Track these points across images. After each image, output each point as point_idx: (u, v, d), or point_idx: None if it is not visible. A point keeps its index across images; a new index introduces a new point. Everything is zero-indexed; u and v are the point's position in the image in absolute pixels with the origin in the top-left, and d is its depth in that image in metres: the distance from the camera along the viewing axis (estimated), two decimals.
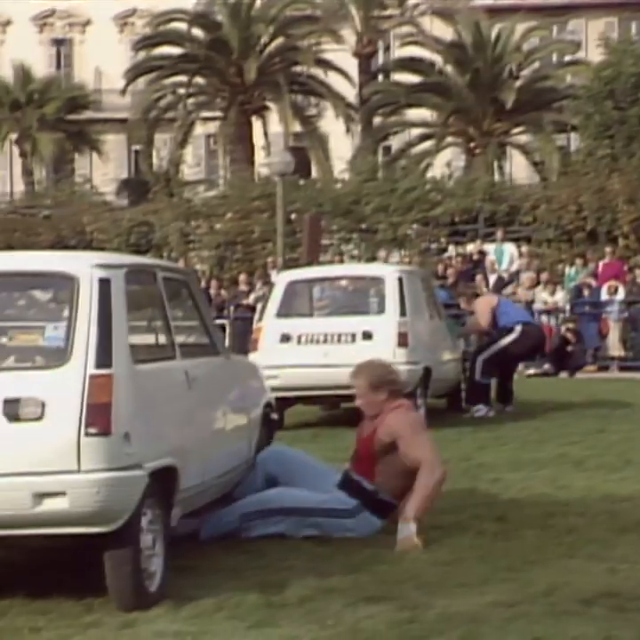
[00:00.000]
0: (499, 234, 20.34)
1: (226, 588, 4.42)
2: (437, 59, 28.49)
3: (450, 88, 27.45)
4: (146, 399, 4.20)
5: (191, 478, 4.55)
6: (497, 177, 25.77)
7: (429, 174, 25.29)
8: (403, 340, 8.88)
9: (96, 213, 22.35)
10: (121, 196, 32.47)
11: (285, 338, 9.09)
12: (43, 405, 3.89)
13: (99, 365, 3.92)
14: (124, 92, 29.68)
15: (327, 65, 29.30)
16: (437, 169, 25.81)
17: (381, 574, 4.58)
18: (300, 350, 9.04)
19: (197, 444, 4.66)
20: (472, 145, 27.80)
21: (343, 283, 9.75)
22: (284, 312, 9.25)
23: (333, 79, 29.71)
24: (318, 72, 29.56)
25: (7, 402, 3.90)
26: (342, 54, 29.40)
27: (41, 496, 3.91)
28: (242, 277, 19.56)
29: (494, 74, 27.26)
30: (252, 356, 8.96)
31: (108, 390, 3.90)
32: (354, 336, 8.95)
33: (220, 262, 21.64)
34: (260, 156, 29.13)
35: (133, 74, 29.65)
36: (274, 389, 9.43)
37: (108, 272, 4.10)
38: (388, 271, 9.63)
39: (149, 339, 4.68)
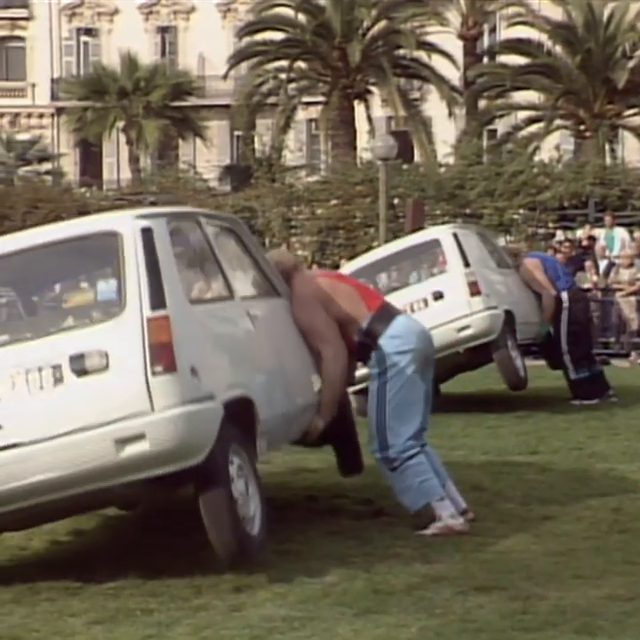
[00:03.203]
0: (607, 219, 19.82)
1: (332, 573, 4.39)
2: (545, 40, 27.95)
3: (559, 69, 26.87)
4: (208, 336, 4.28)
5: (269, 409, 4.55)
6: (608, 160, 25.12)
7: (537, 158, 24.82)
8: (474, 289, 8.78)
9: (200, 199, 22.58)
10: (224, 182, 32.77)
11: None
12: (106, 356, 3.96)
13: (154, 307, 3.99)
14: (225, 77, 29.93)
15: (431, 47, 29.01)
16: (545, 153, 25.31)
17: (490, 563, 4.49)
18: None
19: (268, 377, 4.68)
20: (582, 127, 27.18)
21: (401, 256, 9.61)
22: None
23: (436, 62, 29.40)
24: (421, 55, 29.31)
25: (72, 359, 3.98)
26: (445, 36, 29.06)
27: (122, 442, 3.96)
28: (343, 263, 19.53)
29: (606, 54, 26.58)
30: None
31: (167, 329, 3.96)
32: (425, 300, 8.85)
33: (321, 248, 21.66)
34: (361, 141, 29.06)
35: (236, 59, 29.86)
36: (365, 378, 9.40)
37: (148, 222, 4.18)
38: (441, 231, 9.54)
39: (204, 282, 4.79)
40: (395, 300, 9.17)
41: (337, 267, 20.04)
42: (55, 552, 4.84)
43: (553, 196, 21.00)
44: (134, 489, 4.27)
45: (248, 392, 4.36)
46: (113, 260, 4.13)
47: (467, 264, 8.91)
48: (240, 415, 4.29)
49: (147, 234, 4.12)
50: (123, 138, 35.17)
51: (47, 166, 34.14)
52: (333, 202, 22.02)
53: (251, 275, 5.14)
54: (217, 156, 37.88)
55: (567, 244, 19.14)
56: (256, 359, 4.70)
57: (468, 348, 8.86)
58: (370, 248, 19.74)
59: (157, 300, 4.00)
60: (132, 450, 3.97)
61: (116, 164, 38.32)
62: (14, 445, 3.97)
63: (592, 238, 19.63)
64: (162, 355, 3.95)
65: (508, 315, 8.98)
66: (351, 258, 19.73)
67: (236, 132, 37.56)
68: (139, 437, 3.96)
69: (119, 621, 3.88)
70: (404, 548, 4.78)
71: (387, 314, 5.17)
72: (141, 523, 5.31)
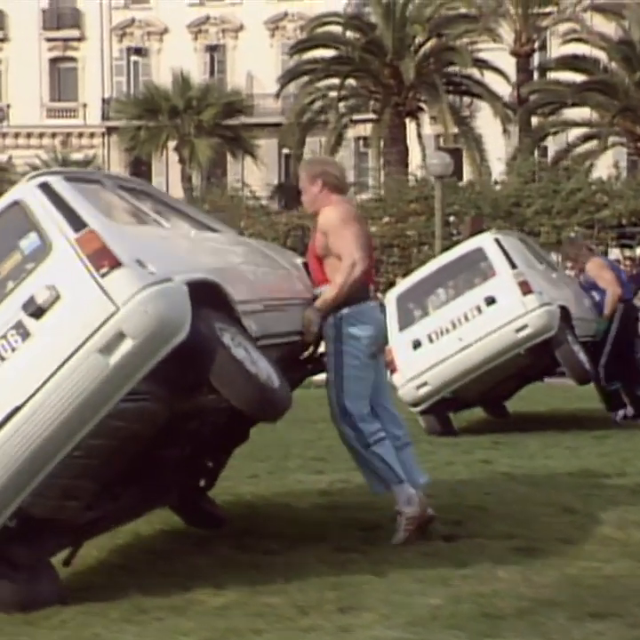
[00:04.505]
0: None
1: (434, 596, 4.28)
2: (599, 55, 27.78)
3: (616, 86, 26.68)
4: (147, 239, 4.49)
5: (242, 293, 4.54)
6: None
7: (594, 175, 24.63)
8: (525, 288, 8.73)
9: (254, 217, 22.67)
10: (274, 200, 32.90)
11: (417, 344, 9.02)
12: (54, 288, 4.00)
13: (76, 230, 4.04)
14: (278, 95, 30.08)
15: (483, 64, 28.97)
16: (600, 170, 25.10)
17: (599, 589, 4.36)
18: (435, 347, 8.94)
19: (227, 269, 4.68)
20: None
21: (448, 269, 9.55)
22: (404, 324, 9.20)
23: (487, 78, 29.34)
24: (473, 71, 29.27)
25: (25, 305, 4.00)
26: (497, 53, 29.01)
27: (107, 350, 3.95)
28: (399, 281, 19.45)
29: None
30: (396, 378, 8.85)
31: (96, 239, 4.02)
32: (479, 308, 8.83)
33: (376, 265, 21.59)
34: (412, 159, 29.01)
35: (287, 78, 30.01)
36: (430, 396, 9.51)
37: (42, 179, 4.25)
38: (483, 239, 9.47)
39: (128, 217, 4.89)
40: (448, 311, 9.14)
41: (392, 284, 19.96)
42: (153, 571, 4.78)
43: (612, 214, 20.82)
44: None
45: (209, 276, 4.33)
46: (26, 223, 4.14)
47: (513, 266, 8.90)
48: (211, 298, 4.25)
49: (44, 187, 4.20)
50: (172, 156, 35.48)
51: None
52: (386, 219, 21.99)
53: (177, 218, 5.20)
54: (265, 174, 38.03)
55: (628, 262, 18.97)
56: (210, 255, 4.79)
57: (529, 350, 8.78)
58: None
59: (77, 223, 4.05)
60: (119, 354, 3.92)
61: (165, 183, 38.65)
62: (16, 410, 3.94)
63: None
64: (101, 258, 3.98)
65: (564, 311, 8.91)
66: (405, 275, 19.75)
67: (285, 151, 37.76)
68: (118, 338, 3.92)
69: None
70: (505, 570, 4.65)
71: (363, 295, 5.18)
72: (234, 542, 5.25)
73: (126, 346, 3.92)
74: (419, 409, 9.22)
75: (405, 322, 9.28)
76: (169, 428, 4.45)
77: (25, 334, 3.98)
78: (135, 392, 4.04)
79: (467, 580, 4.55)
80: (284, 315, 5.02)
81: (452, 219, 21.15)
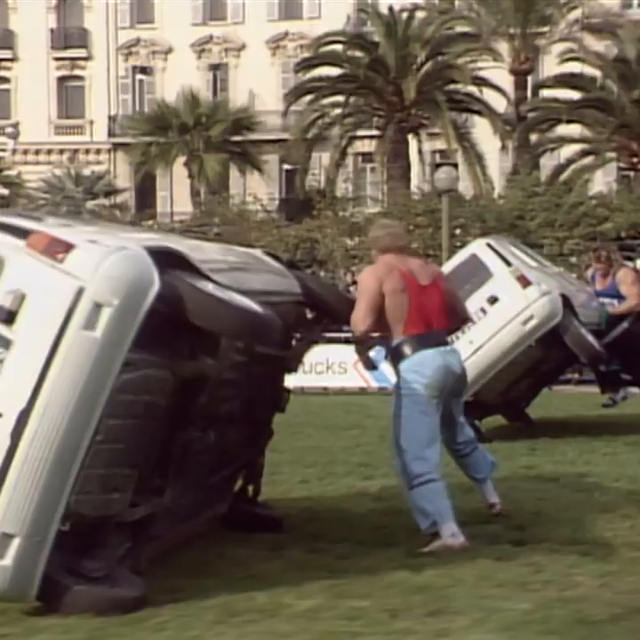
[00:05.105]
0: None
1: (520, 601, 4.19)
2: (595, 73, 27.84)
3: (612, 103, 26.74)
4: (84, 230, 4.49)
5: (200, 256, 4.56)
6: None
7: (593, 191, 24.68)
8: (524, 282, 8.76)
9: (265, 230, 22.61)
10: (279, 214, 32.85)
11: None
12: (21, 293, 3.95)
13: (25, 237, 4.00)
14: (285, 113, 30.05)
15: (483, 82, 28.99)
16: (596, 185, 25.17)
17: None
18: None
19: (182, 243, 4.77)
20: (635, 160, 26.99)
21: (449, 280, 9.53)
22: None
23: (487, 96, 29.37)
24: (473, 89, 29.29)
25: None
26: (495, 71, 29.04)
27: (87, 327, 3.93)
28: None
29: None
30: None
31: (46, 235, 4.02)
32: (483, 309, 8.80)
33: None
34: (414, 174, 29.02)
35: (294, 95, 29.99)
36: None
37: None
38: (475, 245, 9.58)
39: None
40: None
41: None
42: (231, 576, 4.68)
43: (613, 227, 20.87)
44: None
45: (164, 244, 4.38)
46: None
47: (508, 264, 8.95)
48: (173, 261, 4.24)
49: None
50: (177, 172, 35.41)
51: (112, 200, 34.45)
52: None
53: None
54: (266, 188, 37.98)
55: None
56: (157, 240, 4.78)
57: (539, 341, 8.75)
58: None
59: (21, 233, 4.02)
60: (102, 324, 3.89)
61: (170, 198, 38.55)
62: (25, 414, 3.86)
63: None
64: (54, 247, 3.96)
65: (565, 298, 8.90)
66: None
67: (285, 166, 37.73)
68: (97, 310, 3.88)
69: None
70: (582, 575, 4.57)
71: (415, 344, 5.24)
72: (305, 546, 5.15)
73: (106, 314, 3.90)
74: None
75: None
76: (181, 403, 4.38)
77: (6, 343, 3.92)
78: (134, 362, 4.01)
79: (547, 585, 4.46)
80: (254, 275, 5.02)
81: (457, 231, 21.13)
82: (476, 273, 9.20)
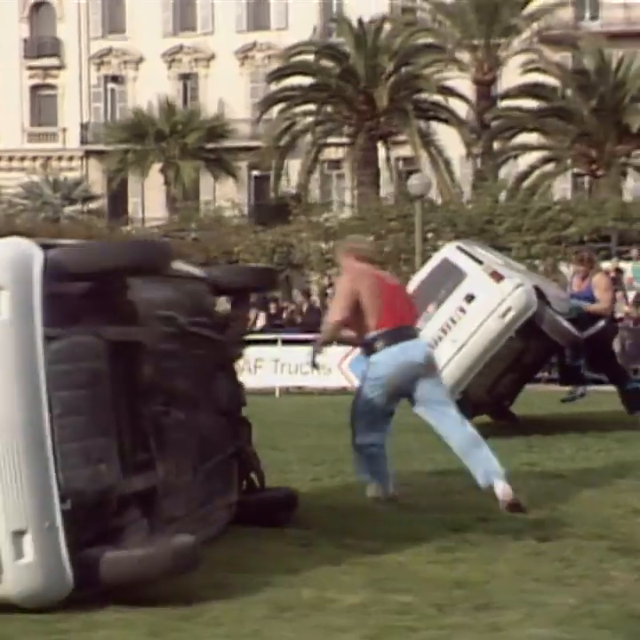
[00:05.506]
0: (634, 252, 19.94)
1: (562, 594, 4.18)
2: (556, 83, 28.09)
3: (572, 112, 26.97)
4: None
5: None
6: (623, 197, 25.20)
7: (556, 196, 24.90)
8: (496, 277, 8.87)
9: (242, 235, 22.50)
10: (250, 219, 32.76)
11: None
12: None
13: None
14: (258, 120, 29.97)
15: (448, 91, 29.11)
16: (557, 191, 25.37)
17: None
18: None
19: None
20: (594, 167, 27.26)
21: (423, 287, 9.57)
22: None
23: (452, 104, 29.50)
24: (439, 98, 29.42)
25: None
26: (459, 80, 29.18)
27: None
28: None
29: (617, 98, 26.76)
30: None
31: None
32: (462, 308, 8.89)
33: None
34: (382, 180, 29.08)
35: (266, 104, 29.91)
36: None
37: None
38: (446, 250, 9.67)
39: None
40: (436, 321, 9.13)
41: None
42: (270, 571, 4.59)
43: (578, 231, 21.05)
44: None
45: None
46: None
47: (480, 263, 9.06)
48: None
49: None
50: (150, 179, 35.17)
51: (88, 206, 34.09)
52: (371, 238, 21.95)
53: None
54: (236, 194, 37.88)
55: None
56: None
57: (518, 332, 8.85)
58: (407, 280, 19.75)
59: None
60: (4, 308, 3.89)
61: (141, 204, 38.26)
62: None
63: (619, 271, 19.62)
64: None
65: (538, 290, 9.01)
66: None
67: (254, 172, 37.62)
68: None
69: (391, 638, 3.67)
70: (615, 570, 4.57)
71: (388, 338, 5.80)
72: (335, 542, 5.08)
73: (5, 297, 3.91)
74: None
75: None
76: (127, 370, 4.34)
77: None
78: (56, 336, 4.00)
79: (583, 579, 4.45)
80: None
81: (430, 235, 21.20)
82: (451, 275, 9.27)
